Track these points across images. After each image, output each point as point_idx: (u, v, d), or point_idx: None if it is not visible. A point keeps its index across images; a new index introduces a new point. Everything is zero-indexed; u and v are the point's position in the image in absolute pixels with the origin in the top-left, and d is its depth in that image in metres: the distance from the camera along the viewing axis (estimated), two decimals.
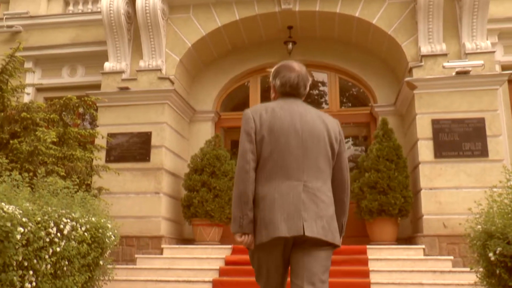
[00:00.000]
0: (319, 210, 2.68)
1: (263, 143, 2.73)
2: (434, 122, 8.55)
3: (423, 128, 8.58)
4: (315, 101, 11.48)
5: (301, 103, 2.92)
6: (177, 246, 8.99)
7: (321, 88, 11.39)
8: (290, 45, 10.33)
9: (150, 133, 9.33)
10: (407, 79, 8.82)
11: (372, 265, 7.65)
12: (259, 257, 2.76)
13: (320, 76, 11.26)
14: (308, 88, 2.98)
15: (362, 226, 9.15)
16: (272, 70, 3.03)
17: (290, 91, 2.92)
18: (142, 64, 9.77)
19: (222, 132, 10.92)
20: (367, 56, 10.47)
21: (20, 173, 5.08)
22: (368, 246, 8.21)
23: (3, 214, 4.06)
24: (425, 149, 8.51)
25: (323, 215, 2.69)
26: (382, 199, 8.48)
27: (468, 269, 6.05)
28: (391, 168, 8.61)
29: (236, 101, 11.50)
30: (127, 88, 9.55)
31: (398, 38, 9.24)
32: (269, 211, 2.64)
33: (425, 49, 8.89)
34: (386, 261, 7.76)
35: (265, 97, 11.06)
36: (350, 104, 11.28)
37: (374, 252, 8.05)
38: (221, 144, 9.71)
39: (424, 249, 8.02)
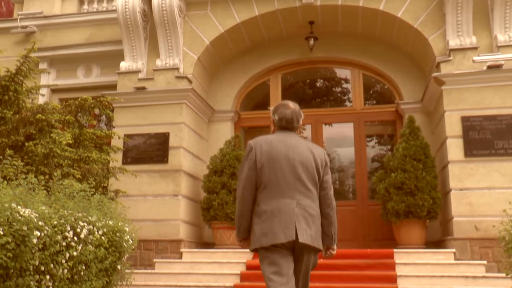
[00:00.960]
0: (308, 222, 3.49)
1: (263, 170, 3.55)
2: (464, 119, 8.42)
3: (452, 125, 8.46)
4: (338, 99, 11.43)
5: (295, 136, 3.71)
6: (197, 250, 9.01)
7: (344, 85, 11.33)
8: (311, 41, 10.28)
9: (168, 133, 9.36)
10: (434, 74, 8.70)
11: (399, 270, 7.57)
12: (265, 256, 3.50)
13: (343, 72, 11.20)
14: (301, 122, 3.79)
15: (388, 229, 9.08)
16: (272, 108, 3.83)
17: (286, 125, 3.71)
18: (159, 63, 9.81)
19: (242, 132, 10.90)
20: (392, 51, 10.36)
21: (35, 176, 5.13)
22: (395, 250, 8.12)
23: (19, 217, 4.11)
24: (454, 148, 8.38)
25: (311, 226, 3.50)
26: (409, 201, 8.39)
27: (503, 274, 5.94)
28: (418, 168, 8.51)
29: (256, 100, 11.48)
30: (143, 88, 9.60)
31: (424, 31, 9.12)
32: (270, 222, 3.46)
33: (453, 42, 8.76)
34: (414, 265, 7.67)
35: (286, 96, 11.02)
36: (374, 102, 11.18)
37: (401, 256, 7.96)
38: (241, 145, 9.70)
39: (454, 253, 7.89)
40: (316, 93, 11.67)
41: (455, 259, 7.84)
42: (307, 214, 3.50)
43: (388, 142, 11.15)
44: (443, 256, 7.89)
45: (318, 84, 11.77)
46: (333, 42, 10.60)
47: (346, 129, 10.64)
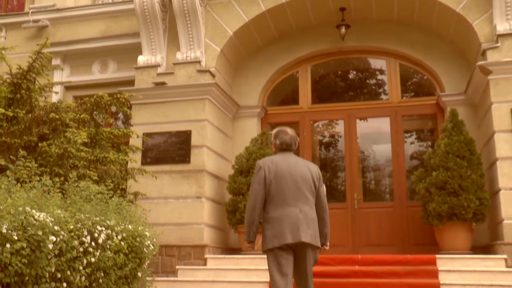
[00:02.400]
0: (309, 225, 4.61)
1: (271, 184, 4.69)
2: None
3: (500, 119, 8.30)
4: (373, 91, 11.33)
5: (293, 156, 4.90)
6: (222, 256, 9.03)
7: (379, 76, 11.23)
8: (343, 29, 10.19)
9: (190, 131, 9.38)
10: (480, 63, 8.55)
11: (443, 278, 7.47)
12: (273, 256, 4.61)
13: (378, 63, 11.10)
14: (297, 145, 4.97)
15: (430, 232, 8.98)
16: (273, 133, 5.00)
17: (286, 147, 4.90)
18: (179, 56, 9.84)
19: (269, 128, 10.85)
20: (432, 38, 10.21)
21: (50, 178, 5.18)
22: (437, 256, 8.02)
23: (34, 222, 4.16)
24: (503, 143, 8.22)
25: (312, 228, 4.63)
26: (453, 202, 8.25)
27: None
28: (462, 166, 8.38)
29: (284, 94, 11.44)
30: (163, 83, 9.64)
31: (468, 16, 8.97)
32: (279, 227, 4.58)
33: (501, 27, 8.58)
34: (459, 273, 7.55)
35: (315, 89, 10.99)
36: (413, 94, 11.04)
37: (445, 263, 7.85)
38: (268, 142, 9.68)
39: (506, 259, 7.72)
40: (348, 85, 11.58)
41: (507, 266, 7.67)
42: (308, 218, 4.62)
43: (428, 137, 11.02)
44: (493, 262, 7.73)
45: (350, 76, 11.68)
46: (367, 30, 10.50)
47: (382, 124, 10.54)
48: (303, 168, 4.80)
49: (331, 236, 5.14)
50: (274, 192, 4.68)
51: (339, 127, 10.92)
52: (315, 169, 4.93)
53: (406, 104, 10.51)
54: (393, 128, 10.34)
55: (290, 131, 4.95)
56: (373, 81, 11.42)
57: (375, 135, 11.14)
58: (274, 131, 5.03)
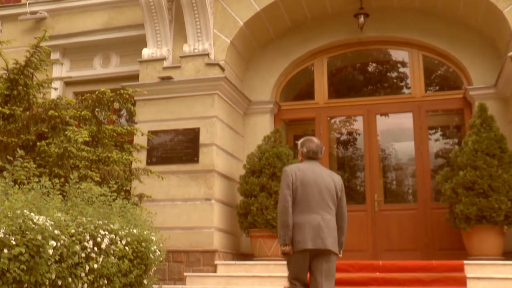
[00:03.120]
0: (330, 232, 5.14)
1: (297, 191, 5.19)
2: None
3: None
4: (394, 85, 11.31)
5: (318, 165, 5.44)
6: (233, 262, 9.03)
7: (401, 69, 11.21)
8: (361, 18, 10.16)
9: (198, 129, 9.39)
10: (511, 53, 8.46)
11: (471, 286, 7.42)
12: (293, 260, 5.15)
13: (400, 54, 11.05)
14: (323, 153, 5.53)
15: (457, 236, 8.94)
16: (300, 142, 5.52)
17: (312, 156, 5.43)
18: (186, 48, 9.85)
19: (283, 125, 10.88)
20: (458, 27, 10.14)
21: (49, 179, 5.19)
22: (465, 262, 7.97)
23: (33, 226, 4.16)
24: None
25: (332, 235, 5.15)
26: (482, 203, 8.19)
27: None
28: (492, 165, 8.31)
29: (298, 88, 11.44)
30: (169, 78, 9.65)
31: (498, 3, 8.91)
32: (302, 232, 5.07)
33: None
34: (490, 280, 7.47)
35: (332, 83, 10.95)
36: (437, 88, 11.03)
37: (474, 269, 7.80)
38: (282, 140, 9.64)
39: None
40: (368, 79, 11.55)
41: None
42: (329, 226, 5.14)
43: (454, 134, 10.99)
44: None
45: (370, 69, 11.66)
46: (387, 19, 10.46)
47: (405, 120, 10.50)
48: (327, 178, 5.32)
49: (349, 240, 5.58)
50: (300, 199, 5.17)
51: (358, 124, 10.88)
52: (338, 179, 5.44)
53: (431, 99, 10.45)
54: (416, 125, 10.27)
55: (316, 140, 5.51)
56: (394, 74, 11.40)
57: (396, 132, 11.11)
58: (301, 140, 5.54)
